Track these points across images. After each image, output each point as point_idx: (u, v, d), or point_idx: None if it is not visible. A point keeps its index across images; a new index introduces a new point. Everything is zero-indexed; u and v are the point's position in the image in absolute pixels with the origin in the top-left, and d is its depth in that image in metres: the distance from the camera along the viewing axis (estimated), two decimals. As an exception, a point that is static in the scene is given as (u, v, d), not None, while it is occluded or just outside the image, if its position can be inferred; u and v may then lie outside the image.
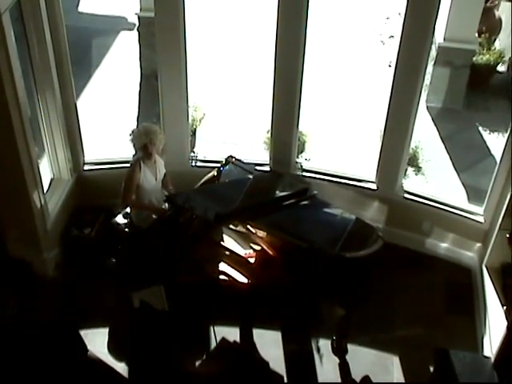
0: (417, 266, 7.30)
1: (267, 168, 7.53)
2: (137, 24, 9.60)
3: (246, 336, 6.63)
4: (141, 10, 9.30)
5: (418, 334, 6.65)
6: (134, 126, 6.53)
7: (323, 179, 7.46)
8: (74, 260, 7.19)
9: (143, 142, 6.25)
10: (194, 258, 6.10)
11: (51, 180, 7.43)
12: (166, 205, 6.41)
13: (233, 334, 6.61)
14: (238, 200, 6.13)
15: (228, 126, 9.07)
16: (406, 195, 7.36)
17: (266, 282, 6.02)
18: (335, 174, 7.50)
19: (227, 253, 6.22)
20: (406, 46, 6.47)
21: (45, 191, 6.95)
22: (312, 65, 7.32)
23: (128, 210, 6.53)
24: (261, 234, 6.20)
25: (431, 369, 6.13)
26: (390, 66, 9.42)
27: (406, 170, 7.68)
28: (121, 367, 6.35)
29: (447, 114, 9.42)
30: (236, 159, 6.78)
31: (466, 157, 8.67)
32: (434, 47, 8.87)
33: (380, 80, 9.00)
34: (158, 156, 6.49)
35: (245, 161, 6.91)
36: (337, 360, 6.44)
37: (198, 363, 6.45)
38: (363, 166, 7.70)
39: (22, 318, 6.57)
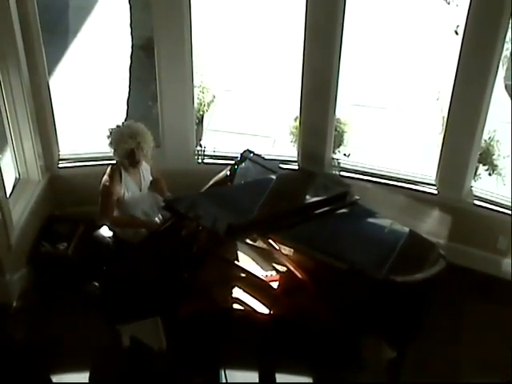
0: (489, 295, 7.32)
1: (295, 166, 7.61)
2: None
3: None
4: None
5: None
6: (120, 121, 6.51)
7: (367, 180, 7.54)
8: (45, 284, 7.28)
9: (129, 148, 6.26)
10: (199, 281, 6.19)
11: (16, 181, 7.51)
12: (160, 217, 6.52)
13: (249, 380, 6.65)
14: (256, 207, 6.19)
15: (244, 112, 9.13)
16: (477, 202, 7.38)
17: (293, 314, 6.09)
18: (383, 173, 7.57)
19: (243, 275, 6.30)
20: (479, 5, 6.43)
21: (7, 195, 7.03)
22: (354, 29, 7.35)
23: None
24: (286, 251, 6.28)
25: None
26: (456, 32, 9.44)
27: (477, 168, 7.69)
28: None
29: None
30: (255, 154, 6.87)
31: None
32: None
33: (443, 51, 9.03)
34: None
35: (266, 157, 7.01)
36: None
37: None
38: (420, 164, 7.75)
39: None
